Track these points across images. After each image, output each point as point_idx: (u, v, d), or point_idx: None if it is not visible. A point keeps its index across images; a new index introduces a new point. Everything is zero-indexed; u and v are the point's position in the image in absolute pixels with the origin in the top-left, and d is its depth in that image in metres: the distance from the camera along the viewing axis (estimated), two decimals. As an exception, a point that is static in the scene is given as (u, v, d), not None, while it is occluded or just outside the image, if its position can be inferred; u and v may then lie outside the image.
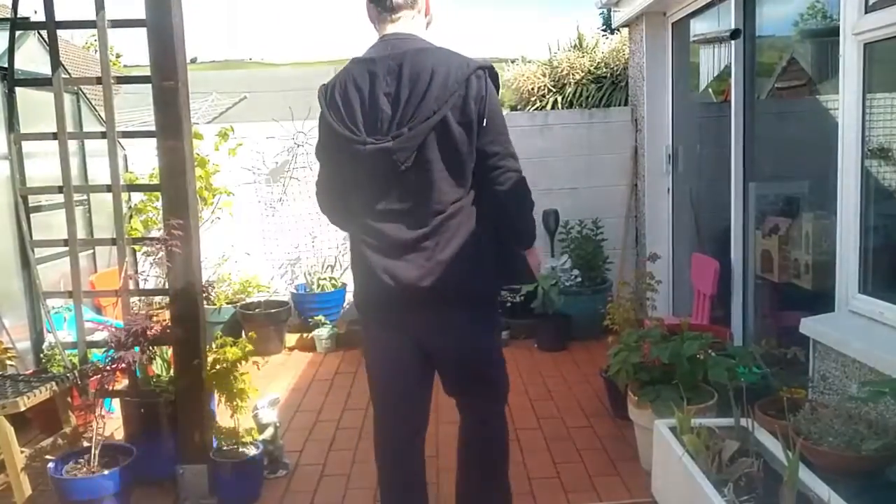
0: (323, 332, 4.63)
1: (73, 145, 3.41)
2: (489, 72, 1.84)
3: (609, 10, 5.19)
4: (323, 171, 1.97)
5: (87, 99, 4.21)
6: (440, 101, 1.75)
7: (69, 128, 3.01)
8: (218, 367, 2.68)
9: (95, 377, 2.69)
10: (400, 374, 1.98)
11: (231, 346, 2.73)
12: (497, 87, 1.88)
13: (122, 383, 2.89)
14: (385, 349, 1.99)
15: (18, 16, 2.93)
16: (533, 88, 5.45)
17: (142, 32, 2.64)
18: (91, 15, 2.77)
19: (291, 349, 4.71)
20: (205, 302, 2.83)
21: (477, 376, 2.02)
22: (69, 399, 2.90)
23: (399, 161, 1.77)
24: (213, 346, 2.77)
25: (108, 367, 2.60)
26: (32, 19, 3.06)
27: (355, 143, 1.79)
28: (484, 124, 1.82)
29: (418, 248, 1.82)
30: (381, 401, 2.04)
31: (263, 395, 2.96)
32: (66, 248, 2.93)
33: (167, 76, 2.62)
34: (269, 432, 2.84)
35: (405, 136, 1.76)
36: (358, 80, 1.82)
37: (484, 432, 2.09)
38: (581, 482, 2.75)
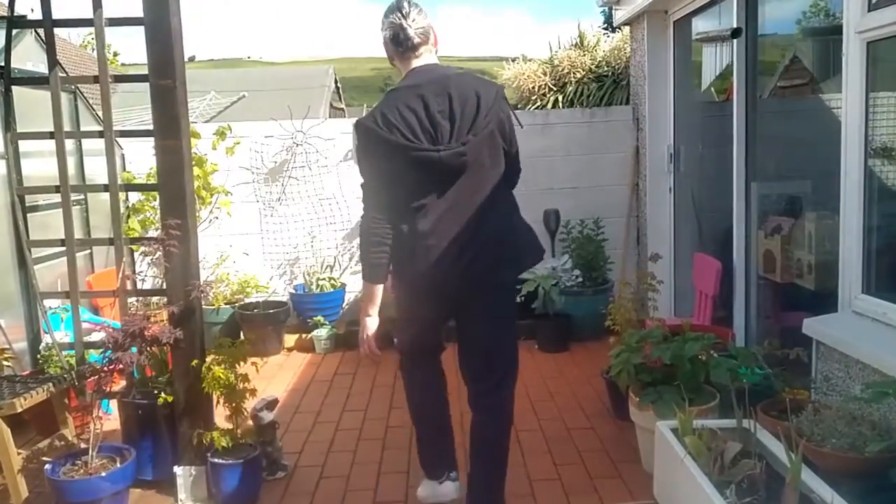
0: (322, 333, 4.62)
1: (70, 144, 3.40)
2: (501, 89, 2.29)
3: (610, 9, 5.17)
4: (375, 186, 2.26)
5: (85, 98, 4.19)
6: (489, 117, 2.18)
7: (66, 127, 3.00)
8: (216, 367, 2.66)
9: (93, 378, 2.68)
10: (433, 326, 2.46)
11: (229, 346, 2.71)
12: None
13: (120, 384, 2.88)
14: (422, 318, 2.42)
15: (15, 14, 2.91)
16: (534, 87, 5.43)
17: (139, 31, 2.63)
18: (88, 13, 2.76)
19: (290, 350, 4.69)
20: (203, 302, 2.82)
21: (493, 348, 2.37)
22: (66, 400, 2.89)
23: (467, 163, 2.16)
24: (212, 346, 2.75)
25: (105, 368, 2.60)
26: (29, 17, 3.04)
27: (424, 151, 2.14)
28: (509, 131, 2.28)
29: (477, 234, 2.21)
30: (413, 339, 2.51)
31: (262, 396, 2.94)
32: (63, 248, 2.92)
33: (165, 75, 2.61)
34: (267, 433, 2.82)
35: (472, 143, 2.16)
36: (410, 103, 2.17)
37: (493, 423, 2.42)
38: (582, 484, 2.74)
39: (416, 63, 2.26)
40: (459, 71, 2.30)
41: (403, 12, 2.22)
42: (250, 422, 2.81)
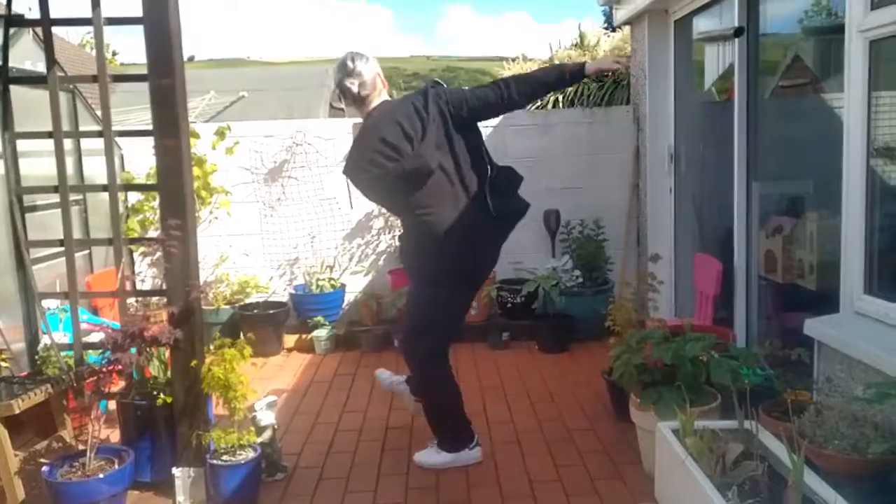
0: (322, 334, 4.60)
1: (68, 144, 3.38)
2: (430, 87, 2.70)
3: (611, 8, 5.15)
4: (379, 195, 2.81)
5: (83, 97, 4.18)
6: (431, 116, 2.60)
7: (65, 126, 2.99)
8: (215, 368, 2.65)
9: (91, 379, 2.67)
10: (464, 311, 2.88)
11: (229, 347, 2.70)
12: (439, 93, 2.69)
13: (119, 385, 2.87)
14: (458, 300, 2.80)
15: (13, 12, 2.89)
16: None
17: (138, 30, 2.62)
18: (87, 12, 2.74)
19: (290, 350, 4.67)
20: (202, 303, 2.81)
21: None
22: (65, 402, 2.87)
23: (431, 161, 2.58)
24: (211, 347, 2.74)
25: (104, 369, 2.59)
26: (27, 16, 3.02)
27: (417, 159, 2.56)
28: (451, 111, 2.64)
29: (476, 211, 2.67)
30: (450, 325, 2.85)
31: (261, 397, 2.93)
32: (62, 249, 2.91)
33: (164, 74, 2.60)
34: (266, 435, 2.81)
35: (426, 144, 2.58)
36: (374, 145, 2.59)
37: None
38: (583, 485, 2.72)
39: (369, 108, 2.68)
40: (400, 99, 2.74)
41: (348, 70, 2.62)
42: (249, 422, 2.80)
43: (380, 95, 2.69)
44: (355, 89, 2.62)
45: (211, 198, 4.57)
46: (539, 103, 5.39)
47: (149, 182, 4.23)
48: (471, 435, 2.91)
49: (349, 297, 4.92)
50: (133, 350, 2.56)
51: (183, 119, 2.67)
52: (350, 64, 2.62)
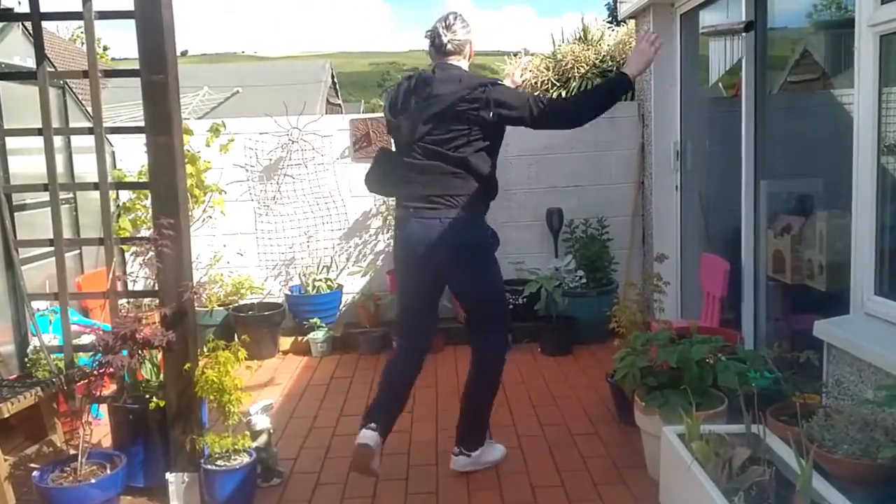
0: (318, 336, 4.55)
1: (58, 141, 3.36)
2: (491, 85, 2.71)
3: (615, 2, 5.12)
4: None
5: (74, 93, 4.13)
6: (454, 104, 2.62)
7: (55, 123, 2.97)
8: (209, 371, 2.61)
9: (82, 382, 2.64)
10: (420, 292, 2.83)
11: (223, 349, 2.66)
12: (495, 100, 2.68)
13: (111, 388, 2.84)
14: (408, 284, 2.83)
15: (1, 6, 2.86)
16: (536, 82, 5.36)
17: (130, 24, 2.59)
18: (77, 6, 2.72)
19: (286, 353, 4.62)
20: (196, 304, 2.80)
21: (477, 301, 2.86)
22: (55, 405, 2.85)
23: (421, 135, 2.66)
24: (205, 349, 2.71)
25: (95, 372, 2.56)
26: (16, 10, 2.98)
27: (393, 120, 2.70)
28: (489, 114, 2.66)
29: (443, 198, 2.72)
30: (406, 308, 2.86)
31: (256, 401, 2.91)
32: (52, 248, 2.88)
33: (156, 70, 2.58)
34: (262, 439, 2.77)
35: (434, 119, 2.65)
36: (401, 84, 2.76)
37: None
38: (586, 491, 2.69)
39: (443, 61, 2.71)
40: (463, 72, 2.70)
41: (447, 23, 2.70)
42: (244, 427, 2.75)
43: (459, 60, 2.73)
44: (445, 39, 2.69)
45: (204, 196, 4.51)
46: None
47: (141, 180, 4.19)
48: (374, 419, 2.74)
49: (346, 299, 4.86)
50: (125, 352, 2.53)
51: (176, 115, 2.64)
52: (451, 19, 2.72)
